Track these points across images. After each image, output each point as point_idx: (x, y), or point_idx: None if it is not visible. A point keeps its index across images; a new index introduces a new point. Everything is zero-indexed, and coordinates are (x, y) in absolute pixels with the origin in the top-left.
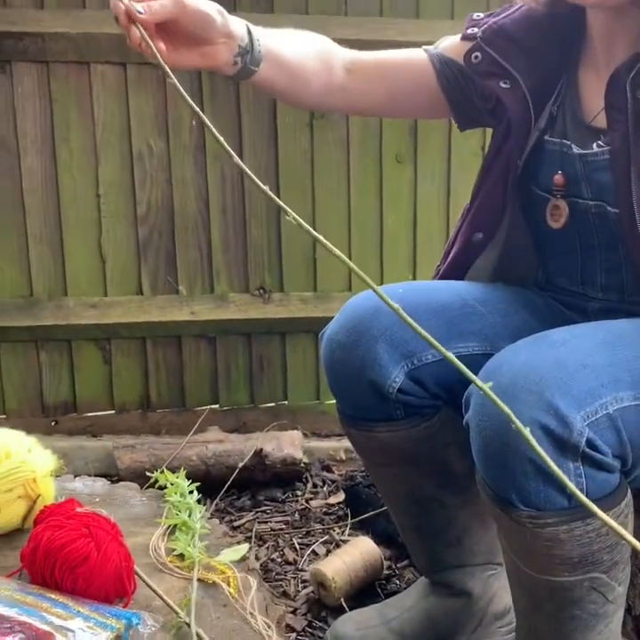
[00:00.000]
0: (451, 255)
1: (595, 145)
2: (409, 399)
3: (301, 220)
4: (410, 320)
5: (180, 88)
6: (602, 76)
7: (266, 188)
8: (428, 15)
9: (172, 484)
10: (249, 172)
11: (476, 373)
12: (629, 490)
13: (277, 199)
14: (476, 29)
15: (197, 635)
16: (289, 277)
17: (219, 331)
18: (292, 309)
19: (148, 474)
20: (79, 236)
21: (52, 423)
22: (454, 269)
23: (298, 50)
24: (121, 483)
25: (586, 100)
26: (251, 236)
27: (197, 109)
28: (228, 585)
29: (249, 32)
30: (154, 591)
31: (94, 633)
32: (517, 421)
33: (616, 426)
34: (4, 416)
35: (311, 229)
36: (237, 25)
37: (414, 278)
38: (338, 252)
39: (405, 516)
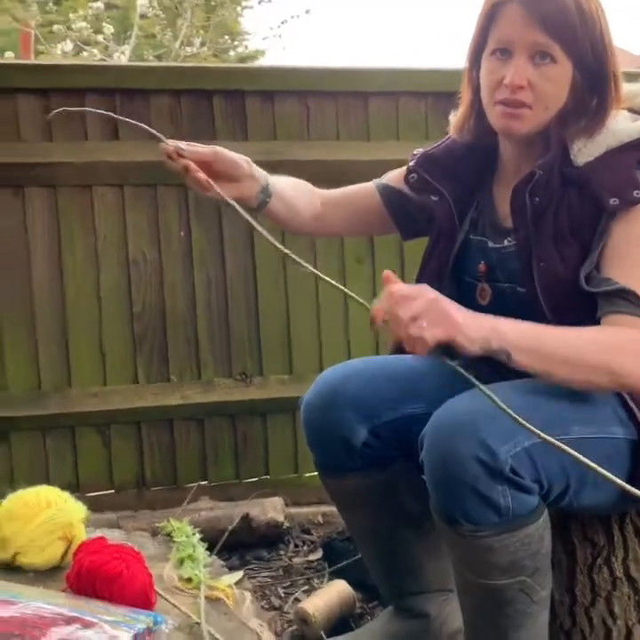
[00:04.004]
0: None
1: (506, 241)
2: (371, 452)
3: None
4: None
5: (236, 205)
6: (510, 189)
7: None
8: (376, 138)
9: (178, 529)
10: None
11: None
12: (547, 510)
13: (342, 287)
14: (413, 161)
15: (208, 632)
16: (267, 362)
17: (206, 413)
18: (270, 391)
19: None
20: (83, 334)
21: None
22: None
23: (292, 189)
24: (135, 532)
25: (498, 207)
26: (232, 328)
27: (253, 221)
28: (228, 599)
29: (266, 177)
30: (169, 602)
31: (130, 625)
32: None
33: (531, 457)
34: None
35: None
36: (259, 171)
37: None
38: None
39: (371, 550)
